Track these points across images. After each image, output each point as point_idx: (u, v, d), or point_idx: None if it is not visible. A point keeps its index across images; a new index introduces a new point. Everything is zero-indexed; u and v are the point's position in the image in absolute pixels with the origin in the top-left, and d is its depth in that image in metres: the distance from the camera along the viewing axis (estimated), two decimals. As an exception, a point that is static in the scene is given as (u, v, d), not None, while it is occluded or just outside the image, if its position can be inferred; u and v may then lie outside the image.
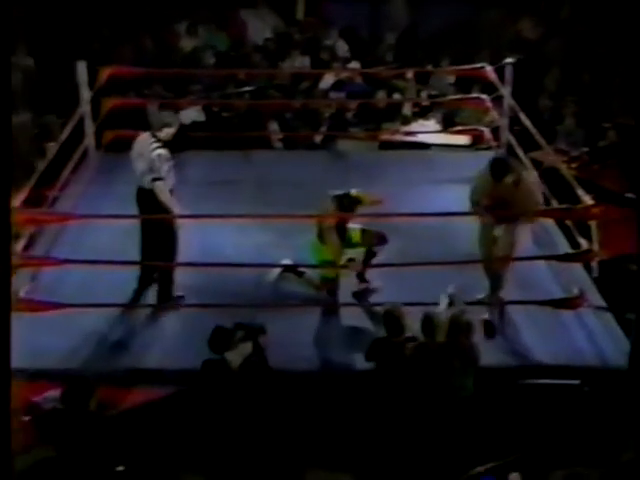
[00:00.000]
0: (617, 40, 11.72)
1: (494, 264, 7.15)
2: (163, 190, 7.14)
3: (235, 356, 5.91)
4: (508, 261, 7.13)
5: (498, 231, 7.12)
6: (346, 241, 7.25)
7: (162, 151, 7.19)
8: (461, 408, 5.88)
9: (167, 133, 7.31)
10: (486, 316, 7.07)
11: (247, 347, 5.97)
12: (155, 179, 7.13)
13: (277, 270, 7.53)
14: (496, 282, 7.21)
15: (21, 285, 7.28)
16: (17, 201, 7.24)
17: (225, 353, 5.92)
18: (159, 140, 7.24)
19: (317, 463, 5.99)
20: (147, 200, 7.24)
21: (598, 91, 11.25)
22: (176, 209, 7.21)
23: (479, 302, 7.12)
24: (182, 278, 7.48)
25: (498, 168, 7.00)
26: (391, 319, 6.13)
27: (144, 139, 7.35)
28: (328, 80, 11.78)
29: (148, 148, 7.20)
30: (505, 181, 6.91)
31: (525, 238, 7.43)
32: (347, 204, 7.21)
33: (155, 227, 7.31)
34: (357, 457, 5.96)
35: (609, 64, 11.48)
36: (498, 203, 6.99)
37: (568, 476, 5.12)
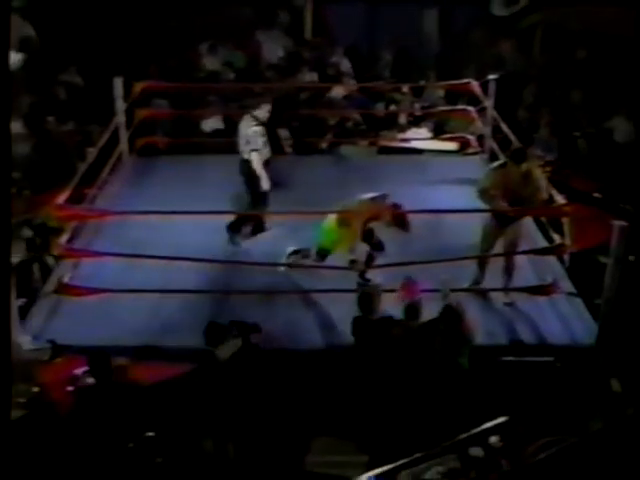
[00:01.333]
0: (586, 59, 11.74)
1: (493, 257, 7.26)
2: (256, 160, 7.96)
3: (224, 350, 5.83)
4: (514, 253, 7.20)
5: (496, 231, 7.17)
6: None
7: (257, 128, 7.95)
8: (451, 382, 5.89)
9: (261, 114, 8.04)
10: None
11: (237, 343, 5.88)
12: (252, 150, 7.93)
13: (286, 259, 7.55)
14: (483, 273, 7.29)
15: (65, 273, 7.33)
16: (61, 199, 7.28)
17: (215, 346, 5.85)
18: (257, 119, 8.00)
19: (322, 432, 6.01)
20: (245, 166, 8.08)
21: (569, 104, 11.24)
22: (264, 180, 8.03)
23: (465, 289, 7.15)
24: (206, 268, 7.50)
25: (519, 154, 7.04)
26: (364, 299, 6.11)
27: (246, 119, 8.12)
28: (337, 92, 11.77)
29: (247, 126, 8.02)
30: (522, 167, 6.90)
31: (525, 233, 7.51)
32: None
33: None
34: (358, 426, 5.96)
35: (579, 81, 11.48)
36: (506, 195, 6.96)
37: (548, 443, 5.15)
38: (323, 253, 7.33)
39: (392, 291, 6.29)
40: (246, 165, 8.08)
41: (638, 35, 9.98)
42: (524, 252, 7.40)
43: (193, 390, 5.85)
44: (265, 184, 8.08)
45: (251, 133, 7.98)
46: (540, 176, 7.13)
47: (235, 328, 6.00)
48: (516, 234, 7.16)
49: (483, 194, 7.05)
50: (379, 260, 7.40)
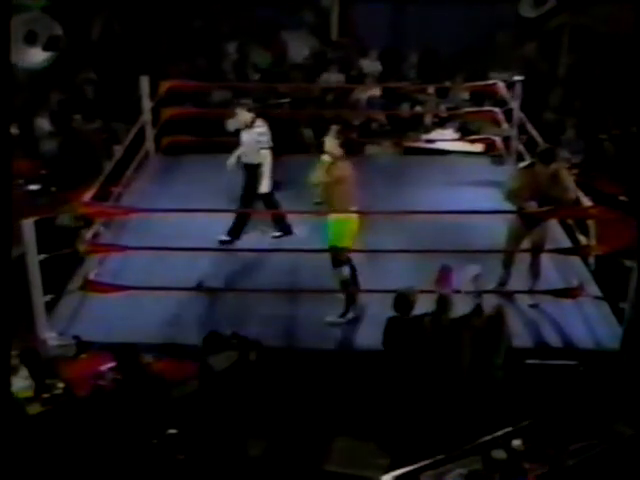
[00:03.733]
0: (612, 62, 11.64)
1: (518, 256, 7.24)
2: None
3: (218, 361, 5.81)
4: (540, 252, 7.17)
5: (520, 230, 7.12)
6: None
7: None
8: (478, 383, 5.85)
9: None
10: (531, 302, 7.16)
11: (232, 356, 5.86)
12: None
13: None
14: (508, 274, 7.24)
15: (90, 269, 7.36)
16: (88, 196, 7.32)
17: (210, 356, 5.83)
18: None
19: (344, 431, 5.95)
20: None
21: (595, 106, 11.16)
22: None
23: (492, 291, 7.09)
24: (231, 266, 7.50)
25: (547, 154, 6.97)
26: (401, 300, 6.02)
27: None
28: (365, 92, 11.75)
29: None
30: (550, 167, 6.84)
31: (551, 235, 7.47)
32: None
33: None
34: (380, 426, 5.93)
35: (604, 84, 11.39)
36: (535, 196, 6.91)
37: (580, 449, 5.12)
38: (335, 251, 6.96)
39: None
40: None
41: (638, 35, 9.92)
42: (550, 250, 7.35)
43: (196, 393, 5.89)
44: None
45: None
46: (568, 176, 7.07)
47: (235, 341, 5.99)
48: (542, 236, 7.11)
49: (511, 195, 7.00)
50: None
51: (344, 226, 6.78)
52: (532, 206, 6.87)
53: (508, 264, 7.27)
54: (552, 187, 6.85)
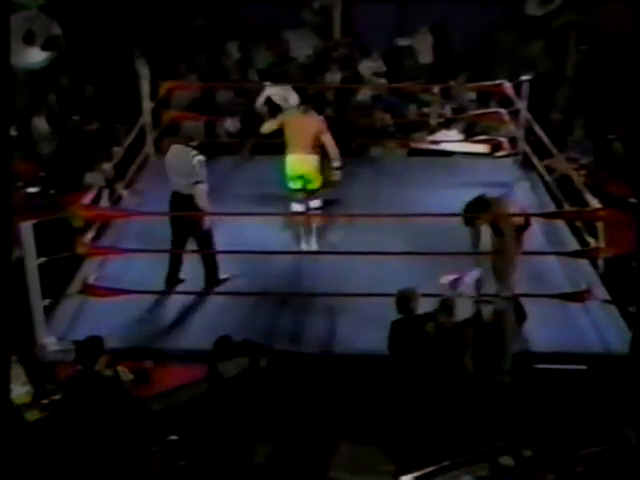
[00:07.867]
0: (619, 61, 11.64)
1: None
2: (204, 194, 7.20)
3: (228, 367, 5.77)
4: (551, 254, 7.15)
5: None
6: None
7: (201, 157, 7.21)
8: (483, 387, 5.85)
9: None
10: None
11: (243, 362, 5.82)
12: (197, 182, 7.16)
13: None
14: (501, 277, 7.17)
15: (90, 273, 7.37)
16: (87, 198, 7.33)
17: (219, 362, 5.80)
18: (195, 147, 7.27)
19: (349, 437, 5.96)
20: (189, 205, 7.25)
21: (604, 106, 11.15)
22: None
23: (493, 295, 7.04)
24: (234, 268, 7.53)
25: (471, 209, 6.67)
26: (402, 300, 5.99)
27: (181, 150, 7.35)
28: (365, 94, 11.76)
29: (187, 156, 7.21)
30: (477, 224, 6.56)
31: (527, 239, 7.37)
32: None
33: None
34: (385, 432, 5.93)
35: (613, 82, 11.39)
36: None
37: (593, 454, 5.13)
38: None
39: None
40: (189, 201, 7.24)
41: (638, 34, 9.92)
42: (558, 253, 7.33)
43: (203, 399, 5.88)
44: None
45: (196, 163, 7.17)
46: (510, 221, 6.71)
47: (245, 347, 5.98)
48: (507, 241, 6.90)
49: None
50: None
51: (284, 169, 7.96)
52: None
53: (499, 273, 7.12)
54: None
